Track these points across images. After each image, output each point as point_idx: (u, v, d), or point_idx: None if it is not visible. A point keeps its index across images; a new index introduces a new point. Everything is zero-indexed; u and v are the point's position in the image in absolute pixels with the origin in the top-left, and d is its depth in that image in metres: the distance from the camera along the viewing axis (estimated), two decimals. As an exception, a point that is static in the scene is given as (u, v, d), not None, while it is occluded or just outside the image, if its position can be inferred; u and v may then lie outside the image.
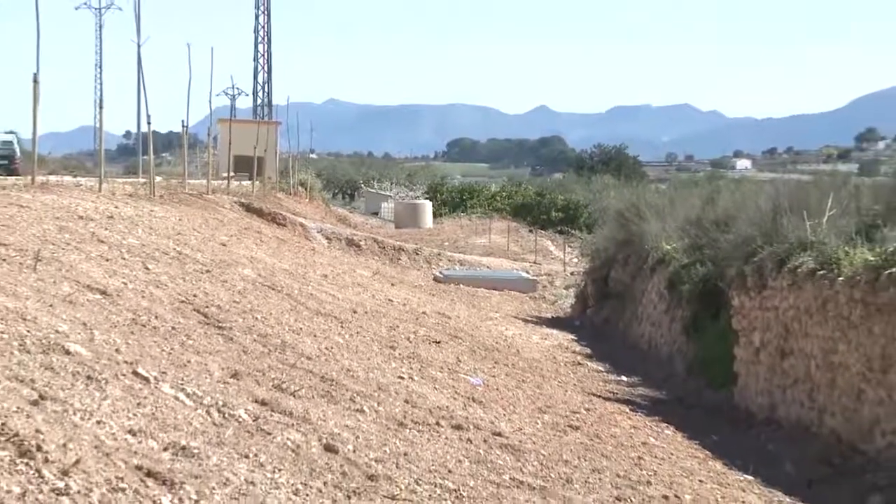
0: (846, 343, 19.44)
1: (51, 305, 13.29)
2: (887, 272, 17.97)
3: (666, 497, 13.80)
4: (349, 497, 10.07)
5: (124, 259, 19.27)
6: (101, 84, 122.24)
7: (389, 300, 29.73)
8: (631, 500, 13.19)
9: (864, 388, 18.82)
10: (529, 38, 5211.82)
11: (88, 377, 10.69)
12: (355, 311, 24.30)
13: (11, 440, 7.96)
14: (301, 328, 19.10)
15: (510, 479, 12.76)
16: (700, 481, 15.50)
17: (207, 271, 21.55)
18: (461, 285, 43.07)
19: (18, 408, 8.75)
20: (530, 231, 75.53)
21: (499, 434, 15.12)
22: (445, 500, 10.99)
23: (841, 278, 19.38)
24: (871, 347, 18.56)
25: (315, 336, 18.83)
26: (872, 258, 18.72)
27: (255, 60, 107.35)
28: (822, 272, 20.18)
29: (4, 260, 15.03)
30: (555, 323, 36.96)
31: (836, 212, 22.14)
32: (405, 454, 12.38)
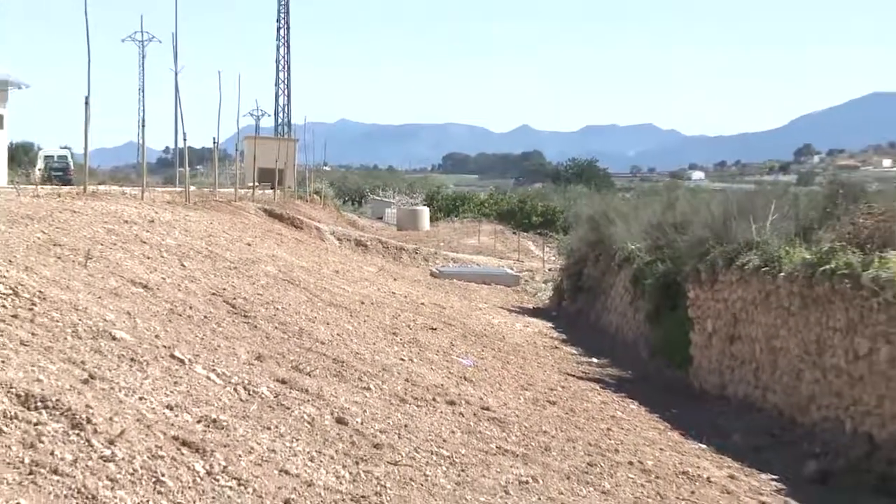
0: (786, 330, 19.46)
1: (99, 297, 13.28)
2: (822, 269, 17.97)
3: (631, 463, 13.78)
4: (357, 463, 10.06)
5: (163, 257, 19.25)
6: (143, 106, 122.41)
7: (392, 293, 29.71)
8: (601, 466, 13.17)
9: (801, 368, 18.83)
10: (514, 65, 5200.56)
11: (132, 359, 10.69)
12: (363, 303, 24.29)
13: (65, 414, 7.96)
14: (316, 317, 19.09)
15: (496, 447, 12.75)
16: (661, 449, 15.48)
17: (235, 268, 21.54)
18: (454, 280, 43.04)
19: (71, 386, 8.75)
20: (514, 233, 75.56)
21: (487, 408, 15.10)
22: (440, 465, 10.98)
23: (782, 274, 19.40)
24: (808, 334, 18.58)
25: (328, 324, 18.82)
26: (809, 256, 18.74)
27: (276, 86, 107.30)
28: (765, 268, 20.20)
29: (59, 258, 15.01)
30: (535, 313, 36.91)
31: (778, 216, 22.16)
32: (406, 426, 12.38)
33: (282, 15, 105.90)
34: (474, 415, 14.49)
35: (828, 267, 17.85)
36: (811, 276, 18.33)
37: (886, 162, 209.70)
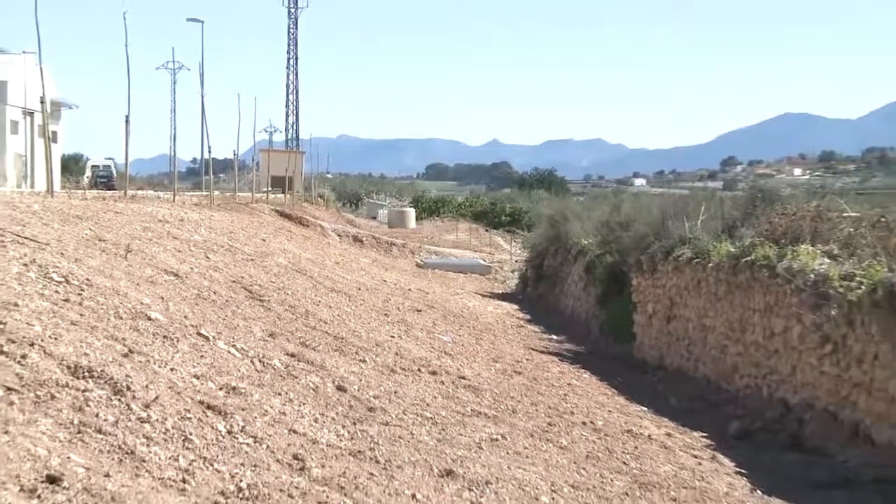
0: (714, 311, 19.54)
1: (137, 284, 13.23)
2: (744, 260, 18.06)
3: (584, 423, 13.81)
4: (355, 423, 10.05)
5: (191, 250, 19.19)
6: (174, 123, 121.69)
7: (384, 280, 29.71)
8: (559, 425, 13.18)
9: (726, 344, 18.90)
10: (486, 87, 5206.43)
11: (164, 336, 10.65)
12: (359, 289, 24.28)
13: (108, 382, 7.92)
14: (320, 301, 19.07)
15: (471, 410, 12.75)
16: (609, 411, 15.51)
17: (251, 259, 21.49)
18: (436, 270, 43.09)
19: (113, 358, 8.71)
20: (486, 230, 75.68)
21: (463, 377, 15.10)
22: (424, 425, 10.97)
23: (710, 264, 19.47)
24: (732, 314, 18.66)
25: (330, 307, 18.81)
26: (733, 250, 18.82)
27: (286, 107, 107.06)
28: (696, 260, 20.26)
29: (104, 251, 14.95)
30: (504, 297, 36.96)
31: (707, 217, 22.22)
32: (395, 392, 12.37)
33: (291, 48, 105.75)
34: (453, 383, 14.50)
35: (748, 258, 17.92)
36: (735, 266, 18.40)
37: (797, 171, 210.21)
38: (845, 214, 19.05)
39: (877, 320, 13.64)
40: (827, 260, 16.12)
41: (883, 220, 17.93)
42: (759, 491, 11.63)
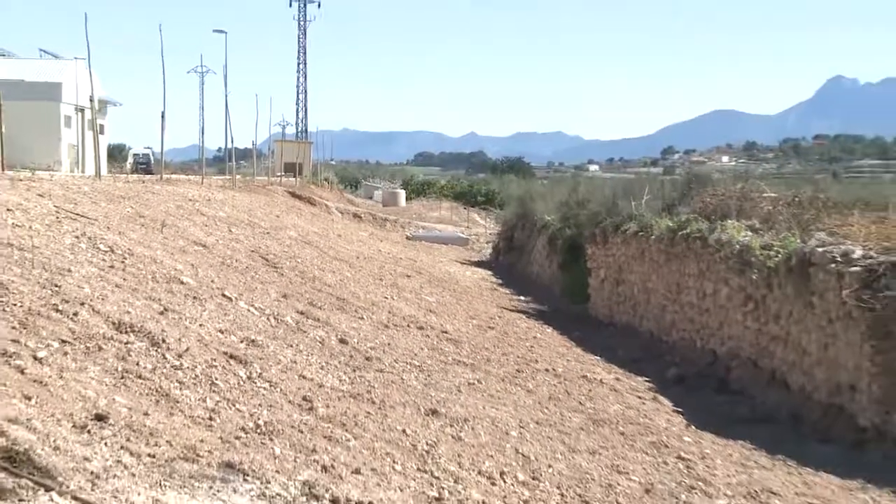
0: (655, 276, 19.58)
1: (171, 253, 13.19)
2: (680, 233, 18.09)
3: (547, 370, 13.83)
4: (354, 370, 10.06)
5: (216, 225, 19.14)
6: (202, 117, 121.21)
7: (379, 250, 29.67)
8: (526, 372, 13.21)
9: (665, 304, 18.95)
10: (465, 84, 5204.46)
11: (194, 297, 10.62)
12: (358, 257, 24.24)
13: (147, 336, 7.91)
14: (325, 268, 19.03)
15: (452, 359, 12.76)
16: (568, 360, 15.55)
17: (267, 233, 21.44)
18: (423, 241, 43.02)
19: (151, 316, 8.69)
20: (465, 208, 75.49)
21: (445, 332, 15.11)
22: (413, 371, 10.98)
23: (653, 237, 19.50)
24: (670, 279, 18.70)
25: (333, 272, 18.78)
26: (671, 224, 18.85)
27: (296, 104, 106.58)
28: (641, 233, 20.28)
29: (143, 225, 14.90)
30: (479, 264, 36.94)
31: (650, 197, 22.24)
32: (388, 344, 12.37)
33: (300, 54, 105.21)
34: (437, 336, 14.51)
35: (684, 232, 17.96)
36: (673, 238, 18.43)
37: (725, 158, 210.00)
38: (765, 195, 19.12)
39: (791, 283, 13.69)
40: (750, 233, 16.16)
41: (796, 199, 18.05)
42: (692, 426, 11.69)
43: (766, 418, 12.68)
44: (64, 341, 7.01)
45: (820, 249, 13.10)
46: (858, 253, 12.45)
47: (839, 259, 12.51)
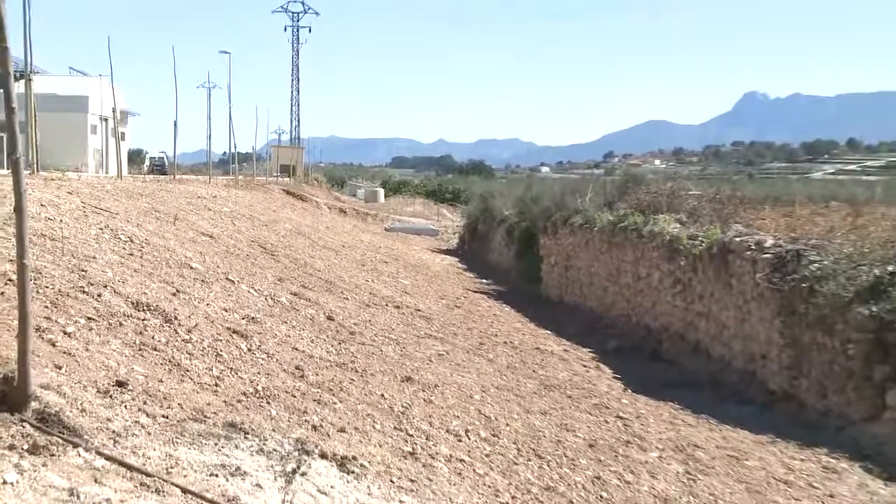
0: (598, 262, 19.64)
1: (182, 243, 13.10)
2: (619, 225, 18.15)
3: (505, 342, 13.87)
4: (340, 343, 10.04)
5: (221, 218, 19.01)
6: (210, 125, 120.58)
7: (361, 240, 29.59)
8: (487, 344, 13.24)
9: (607, 286, 19.02)
10: (434, 98, 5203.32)
11: (202, 280, 10.56)
12: (343, 246, 24.18)
13: (161, 313, 7.89)
14: (314, 255, 18.97)
15: (424, 333, 12.77)
16: (523, 334, 15.58)
17: (265, 225, 21.33)
18: (399, 233, 42.94)
19: (165, 296, 8.64)
20: (435, 204, 75.45)
21: (419, 310, 15.10)
22: (390, 344, 10.98)
23: (596, 228, 19.55)
24: (610, 265, 18.77)
25: (322, 259, 18.72)
26: (612, 218, 18.91)
27: (290, 114, 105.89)
28: (586, 226, 20.34)
29: (158, 218, 14.78)
30: (448, 252, 36.92)
31: (593, 194, 22.31)
32: (369, 321, 12.36)
33: (294, 70, 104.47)
34: (411, 314, 14.50)
35: (623, 224, 18.03)
36: (612, 230, 18.50)
37: (657, 162, 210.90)
38: (691, 193, 19.27)
39: (713, 268, 13.80)
40: (678, 225, 16.26)
41: (717, 196, 18.21)
42: (629, 390, 11.76)
43: (691, 383, 12.77)
44: (89, 318, 6.96)
45: (737, 239, 13.22)
46: (770, 242, 12.56)
47: (753, 247, 12.62)
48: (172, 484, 4.21)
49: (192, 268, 11.19)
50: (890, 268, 9.93)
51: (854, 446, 9.15)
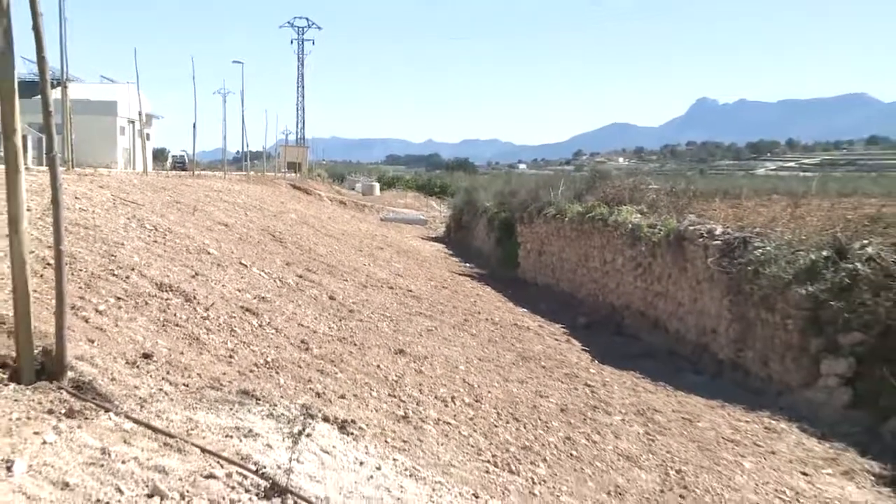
0: (569, 248, 19.64)
1: (201, 231, 13.05)
2: (588, 215, 18.16)
3: (487, 319, 13.86)
4: (340, 320, 10.02)
5: (235, 210, 18.93)
6: (224, 127, 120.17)
7: (359, 229, 29.51)
8: (471, 321, 13.22)
9: (576, 269, 19.03)
10: (423, 100, 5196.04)
11: (218, 265, 10.52)
12: (343, 234, 24.11)
13: (182, 293, 7.87)
14: (318, 242, 18.90)
15: (415, 311, 12.75)
16: (503, 312, 15.58)
17: (274, 215, 21.25)
18: (392, 222, 42.85)
19: (185, 278, 8.61)
20: (425, 197, 75.29)
21: (410, 290, 15.07)
22: (385, 321, 10.96)
23: (566, 218, 19.55)
24: (580, 250, 18.77)
25: (324, 245, 18.66)
26: (581, 209, 18.91)
27: (296, 117, 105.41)
28: (558, 216, 20.33)
29: (179, 210, 14.72)
30: (436, 240, 36.85)
31: (564, 188, 22.31)
32: (366, 300, 12.33)
33: (299, 78, 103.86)
34: (404, 294, 14.47)
35: (590, 214, 18.04)
36: (581, 219, 18.51)
37: (621, 160, 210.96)
38: (650, 187, 19.28)
39: (670, 253, 13.83)
40: (639, 215, 16.29)
41: (673, 190, 18.25)
42: (596, 360, 11.79)
43: (651, 354, 12.82)
44: (118, 298, 6.94)
45: (691, 228, 13.26)
46: (719, 230, 12.61)
47: (705, 235, 12.66)
48: (193, 444, 4.21)
49: (209, 253, 11.15)
50: (824, 253, 9.98)
51: (792, 409, 9.22)
